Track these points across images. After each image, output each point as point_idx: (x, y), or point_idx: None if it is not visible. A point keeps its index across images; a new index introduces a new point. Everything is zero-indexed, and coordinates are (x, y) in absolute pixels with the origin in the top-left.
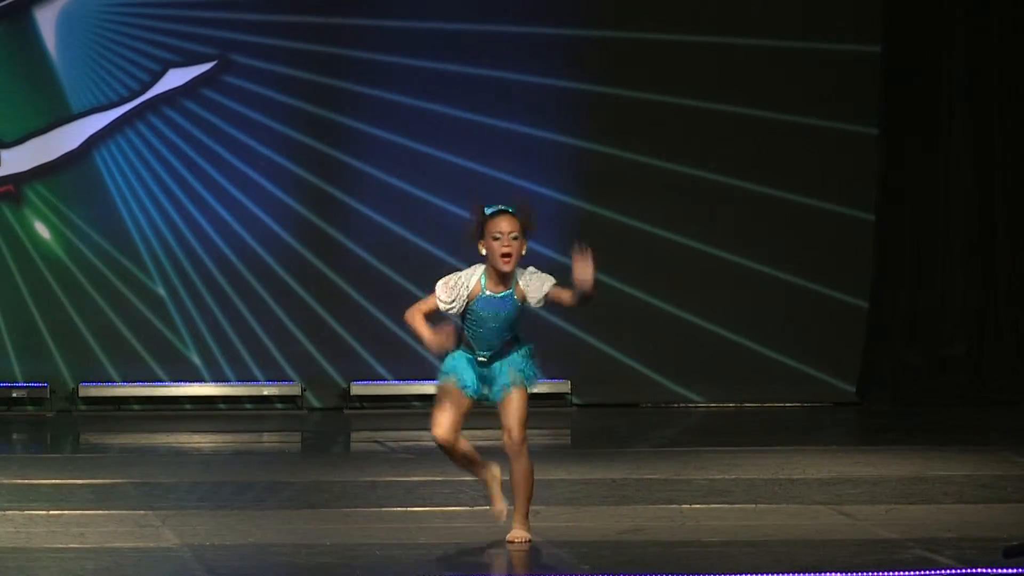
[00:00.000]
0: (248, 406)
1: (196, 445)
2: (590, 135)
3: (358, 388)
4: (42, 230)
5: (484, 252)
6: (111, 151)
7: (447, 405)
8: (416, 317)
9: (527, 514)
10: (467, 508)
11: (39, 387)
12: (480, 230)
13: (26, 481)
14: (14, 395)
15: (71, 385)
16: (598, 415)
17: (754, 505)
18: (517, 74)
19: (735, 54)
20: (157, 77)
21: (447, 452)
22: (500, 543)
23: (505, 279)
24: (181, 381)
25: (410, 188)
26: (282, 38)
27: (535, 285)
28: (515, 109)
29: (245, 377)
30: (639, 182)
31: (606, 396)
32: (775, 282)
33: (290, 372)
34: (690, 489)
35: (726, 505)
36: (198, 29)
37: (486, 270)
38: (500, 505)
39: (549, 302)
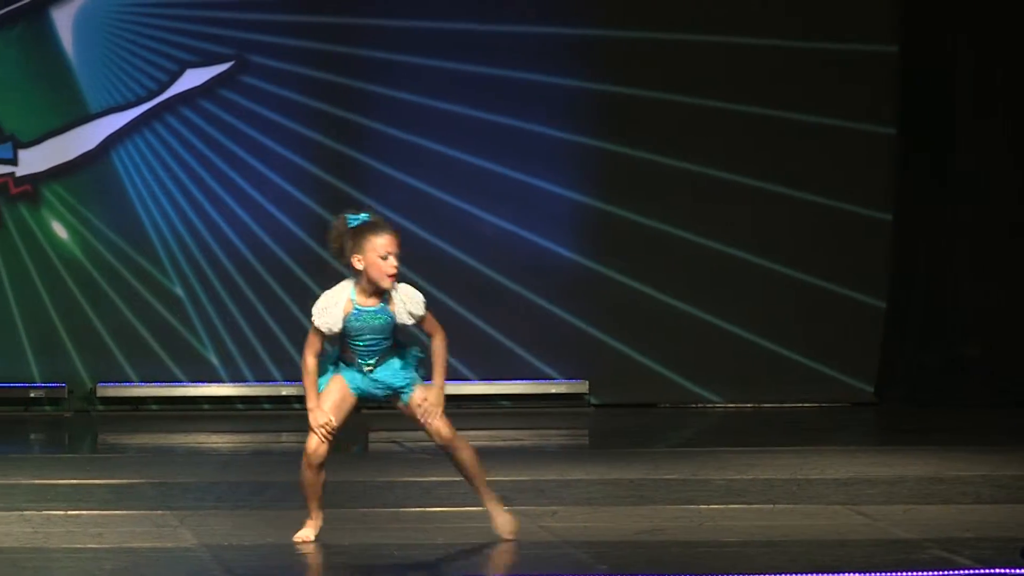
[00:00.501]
0: (266, 406)
1: (214, 445)
2: (606, 135)
3: None
4: (59, 230)
5: (360, 267)
6: (128, 151)
7: (329, 408)
8: (312, 368)
9: (492, 493)
10: (484, 508)
11: (57, 387)
12: (358, 245)
13: (44, 481)
14: (32, 395)
15: (89, 385)
16: (616, 415)
17: (772, 505)
18: (533, 74)
19: (751, 54)
20: (174, 77)
21: (310, 468)
22: (518, 543)
23: (379, 293)
24: (199, 381)
25: (426, 187)
26: (299, 38)
27: (411, 307)
28: (531, 109)
29: (263, 377)
30: (656, 182)
31: (624, 396)
32: (792, 282)
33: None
34: (708, 489)
35: (744, 505)
36: (215, 29)
37: (356, 285)
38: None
39: (420, 325)
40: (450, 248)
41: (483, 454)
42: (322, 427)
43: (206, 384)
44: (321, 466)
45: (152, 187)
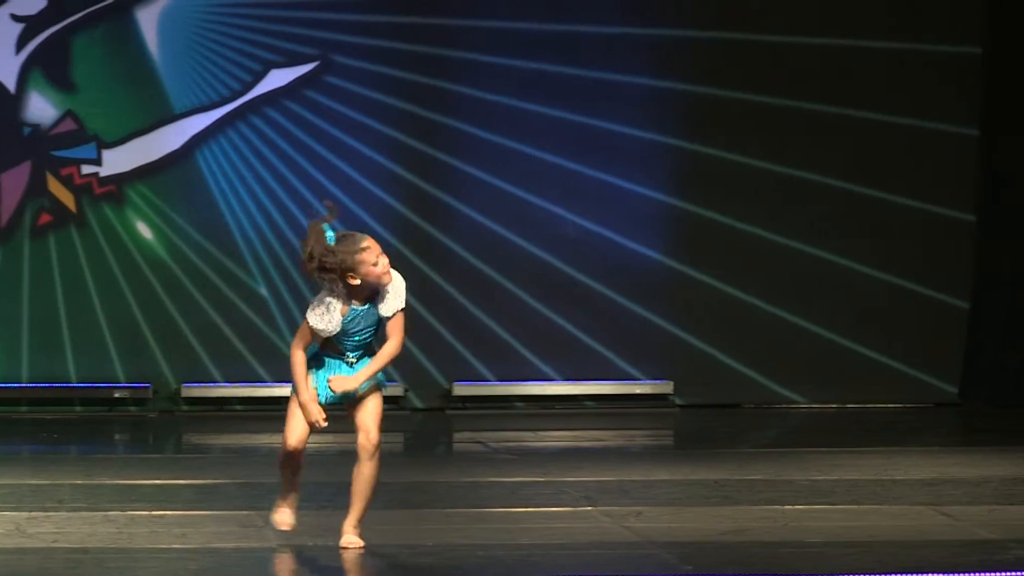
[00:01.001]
0: None
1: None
2: (690, 135)
3: (460, 388)
4: (144, 230)
5: (357, 283)
6: (213, 151)
7: (300, 415)
8: (300, 360)
9: (361, 519)
10: (569, 509)
11: (142, 387)
12: (347, 264)
13: (128, 481)
14: (116, 395)
15: (173, 385)
16: (700, 415)
17: (856, 506)
18: (617, 74)
19: (834, 54)
20: (259, 77)
21: (289, 461)
22: (602, 544)
23: (373, 293)
24: (284, 382)
25: (511, 188)
26: (384, 39)
27: (394, 301)
28: (615, 109)
29: None
30: (739, 182)
31: (708, 396)
32: (876, 282)
33: (392, 373)
34: (791, 490)
35: (827, 506)
36: (300, 30)
37: (348, 292)
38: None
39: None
40: (534, 248)
41: (568, 454)
42: (316, 423)
43: (287, 384)
44: (301, 452)
45: (236, 187)
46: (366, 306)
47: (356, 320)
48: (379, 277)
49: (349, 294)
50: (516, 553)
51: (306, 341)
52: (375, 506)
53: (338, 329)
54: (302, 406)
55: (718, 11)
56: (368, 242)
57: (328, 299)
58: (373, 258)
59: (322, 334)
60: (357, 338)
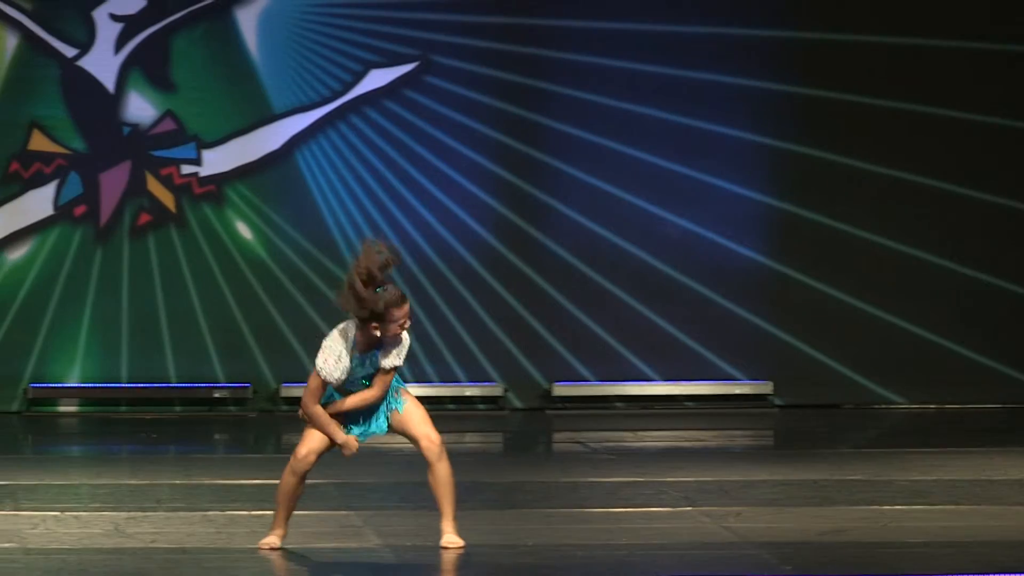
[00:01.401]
0: (450, 407)
1: (398, 446)
2: (790, 136)
3: (560, 389)
4: (244, 230)
5: (377, 334)
6: (312, 151)
7: (318, 435)
8: (319, 412)
9: (455, 517)
10: (669, 509)
11: (242, 387)
12: (382, 318)
13: (228, 481)
14: (216, 395)
15: (273, 385)
16: (800, 416)
17: (955, 506)
18: (715, 75)
19: (937, 55)
20: (359, 77)
21: (294, 475)
22: (701, 544)
23: (372, 345)
24: None
25: (610, 188)
26: (483, 39)
27: (392, 359)
28: (713, 109)
29: (447, 378)
30: (839, 183)
31: (808, 397)
32: (977, 283)
33: (492, 373)
34: (891, 490)
35: (927, 506)
36: (400, 30)
37: (353, 339)
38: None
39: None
40: (634, 249)
41: (667, 454)
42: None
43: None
44: (305, 476)
45: (335, 187)
46: (370, 353)
47: (362, 366)
48: (395, 337)
49: (357, 342)
50: (616, 553)
51: (318, 395)
52: (475, 506)
53: (345, 375)
54: (341, 445)
55: (819, 12)
56: (407, 305)
57: (339, 347)
58: (402, 318)
59: (334, 382)
60: (356, 380)
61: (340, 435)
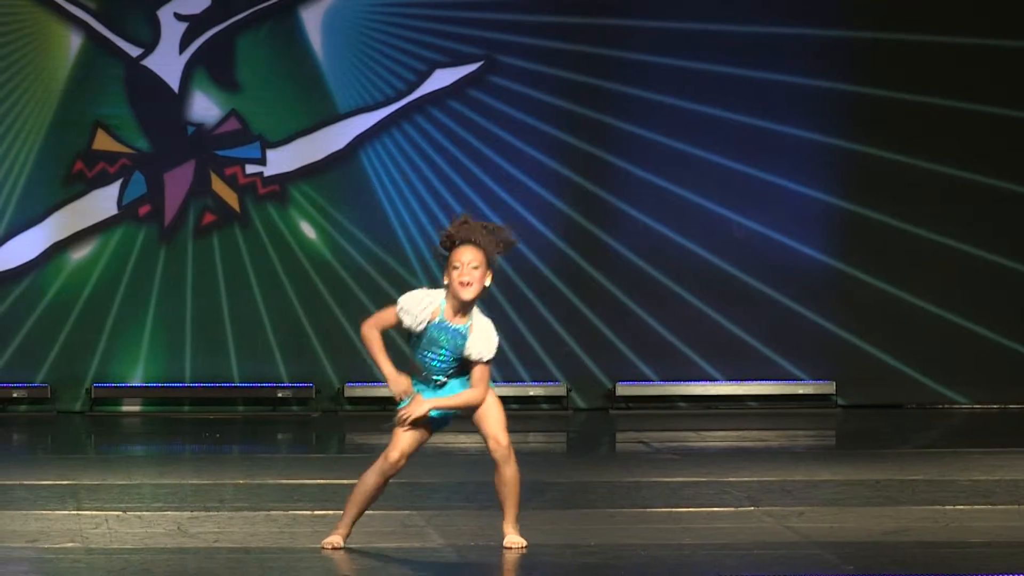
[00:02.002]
0: (514, 406)
1: (463, 445)
2: (855, 136)
3: (623, 388)
4: (308, 230)
5: (447, 282)
6: (377, 151)
7: (409, 432)
8: (374, 338)
9: (518, 518)
10: (732, 509)
11: (305, 387)
12: (446, 261)
13: (291, 481)
14: (280, 395)
15: (336, 385)
16: (862, 416)
17: (1017, 506)
18: (781, 75)
19: (1000, 55)
20: (423, 77)
21: (381, 476)
22: (764, 544)
23: (465, 310)
24: None
25: (675, 188)
26: (547, 38)
27: (480, 345)
28: (779, 110)
29: (511, 378)
30: (903, 183)
31: (870, 397)
32: None
33: (556, 373)
34: (953, 490)
35: (989, 506)
36: (464, 29)
37: (447, 297)
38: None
39: (471, 367)
40: (698, 249)
41: (731, 454)
42: (405, 393)
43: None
44: (389, 480)
45: (400, 187)
46: (458, 327)
47: (442, 336)
48: (453, 281)
49: (450, 302)
50: (679, 553)
51: (383, 322)
52: (538, 506)
53: (418, 323)
54: (388, 378)
55: (883, 12)
56: (463, 248)
57: (430, 296)
58: (456, 262)
59: (404, 320)
60: (438, 358)
61: (389, 367)
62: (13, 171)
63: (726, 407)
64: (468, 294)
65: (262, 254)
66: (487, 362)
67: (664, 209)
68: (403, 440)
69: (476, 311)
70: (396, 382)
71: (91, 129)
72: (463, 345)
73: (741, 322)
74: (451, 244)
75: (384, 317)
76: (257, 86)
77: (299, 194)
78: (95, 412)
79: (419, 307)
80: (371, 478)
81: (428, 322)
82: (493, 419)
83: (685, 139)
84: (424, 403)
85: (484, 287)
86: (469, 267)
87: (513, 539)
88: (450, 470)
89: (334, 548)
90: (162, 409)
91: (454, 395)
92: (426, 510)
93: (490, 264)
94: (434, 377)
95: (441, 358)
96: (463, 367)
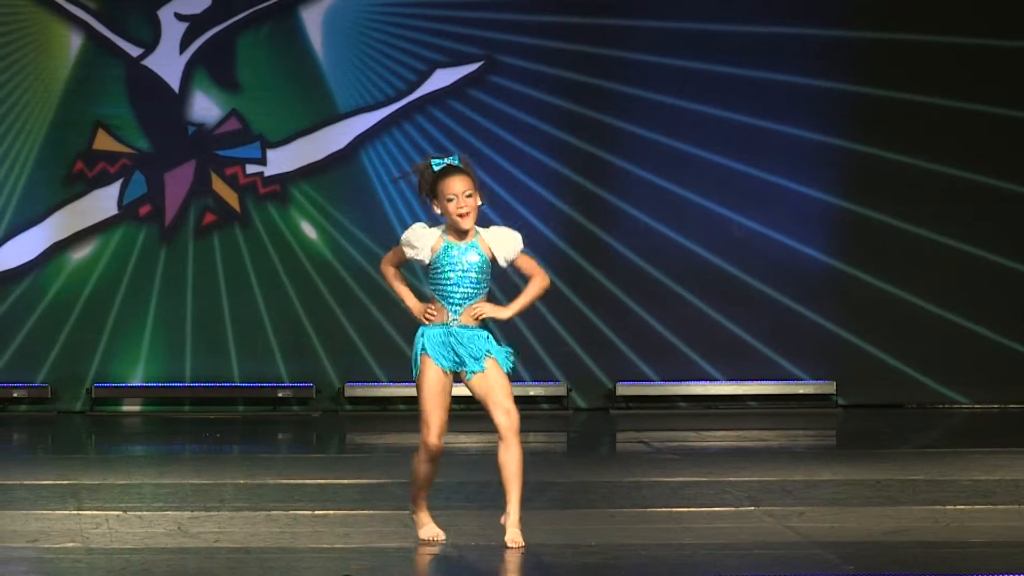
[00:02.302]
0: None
1: (463, 445)
2: (855, 136)
3: (624, 388)
4: (308, 230)
5: (439, 212)
6: (377, 151)
7: (435, 404)
8: (392, 272)
9: (520, 510)
10: (732, 509)
11: (305, 387)
12: (432, 189)
13: (291, 481)
14: (280, 395)
15: (337, 385)
16: (863, 415)
17: (1018, 506)
18: (782, 75)
19: (999, 56)
20: (424, 77)
21: (430, 462)
22: (764, 544)
23: (464, 235)
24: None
25: (675, 188)
26: (548, 38)
27: (506, 243)
28: (779, 109)
29: (511, 377)
30: (904, 183)
31: (871, 397)
32: None
33: (556, 372)
34: (954, 490)
35: (990, 506)
36: (465, 29)
37: (446, 227)
38: (432, 529)
39: (515, 266)
40: (698, 248)
41: (731, 454)
42: (429, 310)
43: (457, 384)
44: (441, 451)
45: (402, 187)
46: (466, 244)
47: (451, 257)
48: (450, 214)
49: (451, 230)
50: (679, 553)
51: (394, 261)
52: (538, 506)
53: (426, 258)
54: (411, 309)
55: (885, 12)
56: (452, 177)
57: (421, 227)
58: (448, 193)
59: (408, 253)
60: (452, 283)
61: (411, 299)
62: (14, 171)
63: (726, 407)
64: (467, 223)
65: (263, 254)
66: (522, 252)
67: (664, 209)
68: (433, 421)
69: (476, 227)
70: (416, 305)
71: (91, 129)
72: (480, 260)
73: (741, 322)
74: (432, 183)
75: (395, 254)
76: (257, 86)
77: (300, 194)
78: (95, 412)
79: (419, 239)
80: (422, 468)
81: (434, 251)
82: (501, 388)
83: (685, 139)
84: (503, 310)
85: (478, 207)
86: (463, 196)
87: (515, 536)
88: (451, 470)
89: (439, 540)
90: (162, 409)
91: (524, 296)
92: (430, 510)
93: (478, 186)
94: (450, 309)
95: (460, 277)
96: (482, 286)
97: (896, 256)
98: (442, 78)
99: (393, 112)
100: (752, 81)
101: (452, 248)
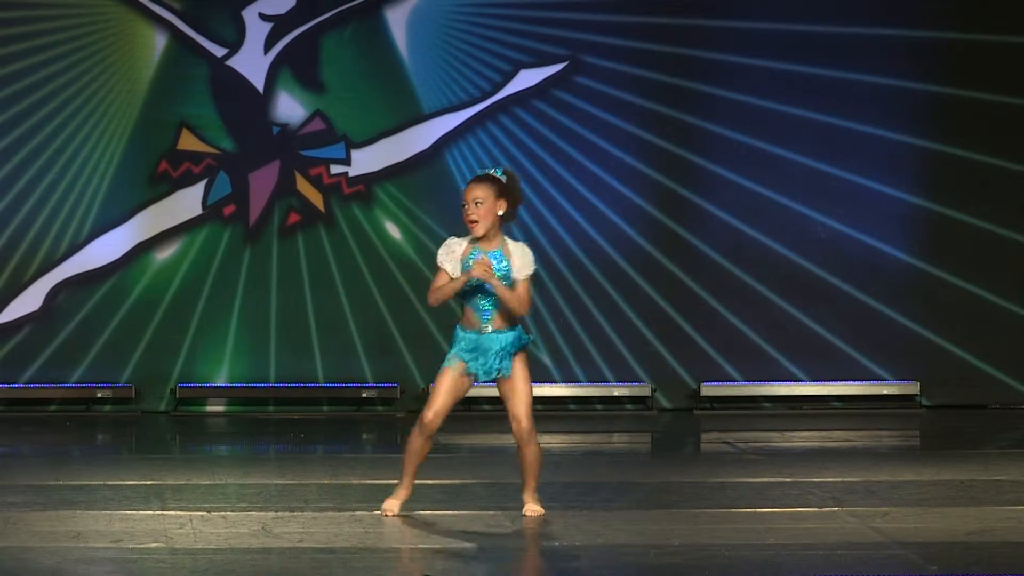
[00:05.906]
0: (598, 407)
1: (546, 445)
2: (939, 136)
3: (708, 389)
4: (392, 230)
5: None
6: (462, 151)
7: (444, 392)
8: (441, 290)
9: (536, 489)
10: (816, 509)
11: (389, 387)
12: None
13: (375, 481)
14: (364, 395)
15: (421, 385)
16: (947, 416)
17: None
18: (866, 75)
19: None
20: (508, 78)
21: (422, 436)
22: (848, 544)
23: (489, 240)
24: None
25: (759, 188)
26: (632, 39)
27: (522, 262)
28: (864, 110)
29: (596, 378)
30: (987, 183)
31: (955, 397)
32: None
33: (640, 373)
34: None
35: None
36: (549, 30)
37: (472, 236)
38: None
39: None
40: (782, 249)
41: (815, 455)
42: (483, 264)
43: (539, 385)
44: (432, 436)
45: None
46: (491, 251)
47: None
48: (466, 220)
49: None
50: (763, 553)
51: (438, 284)
52: (622, 506)
53: (458, 267)
54: (472, 275)
55: (971, 13)
56: (474, 186)
57: (450, 241)
58: (464, 199)
59: (446, 267)
60: (484, 290)
61: (462, 275)
62: (99, 171)
63: (811, 407)
64: (476, 230)
65: (347, 254)
66: (526, 278)
67: (748, 209)
68: (437, 401)
69: (505, 237)
70: (474, 268)
71: (176, 129)
72: (506, 267)
73: (825, 322)
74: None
75: (437, 280)
76: (342, 86)
77: (384, 194)
78: (179, 412)
79: (451, 252)
80: (415, 439)
81: (463, 260)
82: (519, 399)
83: (769, 139)
84: (495, 279)
85: (497, 216)
86: (473, 204)
87: (532, 508)
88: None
89: (392, 515)
90: (246, 409)
91: (504, 287)
92: (510, 510)
93: (500, 195)
94: (481, 317)
95: (482, 289)
96: (508, 318)
97: (980, 256)
98: (526, 78)
99: (477, 112)
100: (836, 81)
101: (477, 253)
